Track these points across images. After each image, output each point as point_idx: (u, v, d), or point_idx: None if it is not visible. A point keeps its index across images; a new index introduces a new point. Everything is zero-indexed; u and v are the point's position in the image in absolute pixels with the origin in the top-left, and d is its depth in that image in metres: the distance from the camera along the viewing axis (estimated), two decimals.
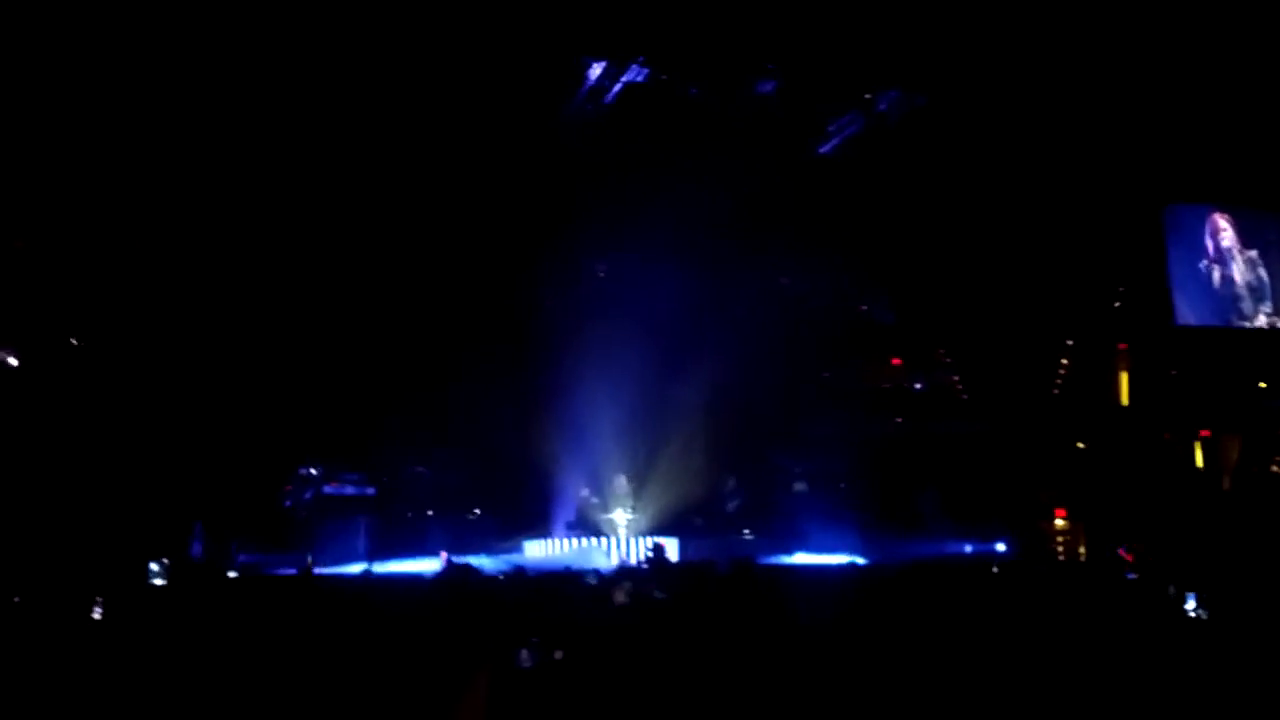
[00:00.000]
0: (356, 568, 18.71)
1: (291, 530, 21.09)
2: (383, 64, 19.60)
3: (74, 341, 21.11)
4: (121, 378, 20.38)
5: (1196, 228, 26.54)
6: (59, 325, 20.74)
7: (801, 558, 21.16)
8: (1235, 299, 26.39)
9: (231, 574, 18.06)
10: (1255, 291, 26.73)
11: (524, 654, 7.46)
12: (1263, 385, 26.38)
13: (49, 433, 19.02)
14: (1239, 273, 26.68)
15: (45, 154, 19.30)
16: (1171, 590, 11.47)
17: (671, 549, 20.09)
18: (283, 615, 9.68)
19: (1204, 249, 26.39)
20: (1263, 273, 26.76)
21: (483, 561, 18.44)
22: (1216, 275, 26.34)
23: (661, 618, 8.98)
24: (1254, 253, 26.79)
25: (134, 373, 20.48)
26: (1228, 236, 26.53)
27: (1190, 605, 11.59)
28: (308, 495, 22.18)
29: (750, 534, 22.99)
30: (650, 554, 19.13)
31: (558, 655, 7.64)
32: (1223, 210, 26.56)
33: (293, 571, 18.71)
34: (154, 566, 16.10)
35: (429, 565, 18.31)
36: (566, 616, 8.49)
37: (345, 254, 21.43)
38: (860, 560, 20.30)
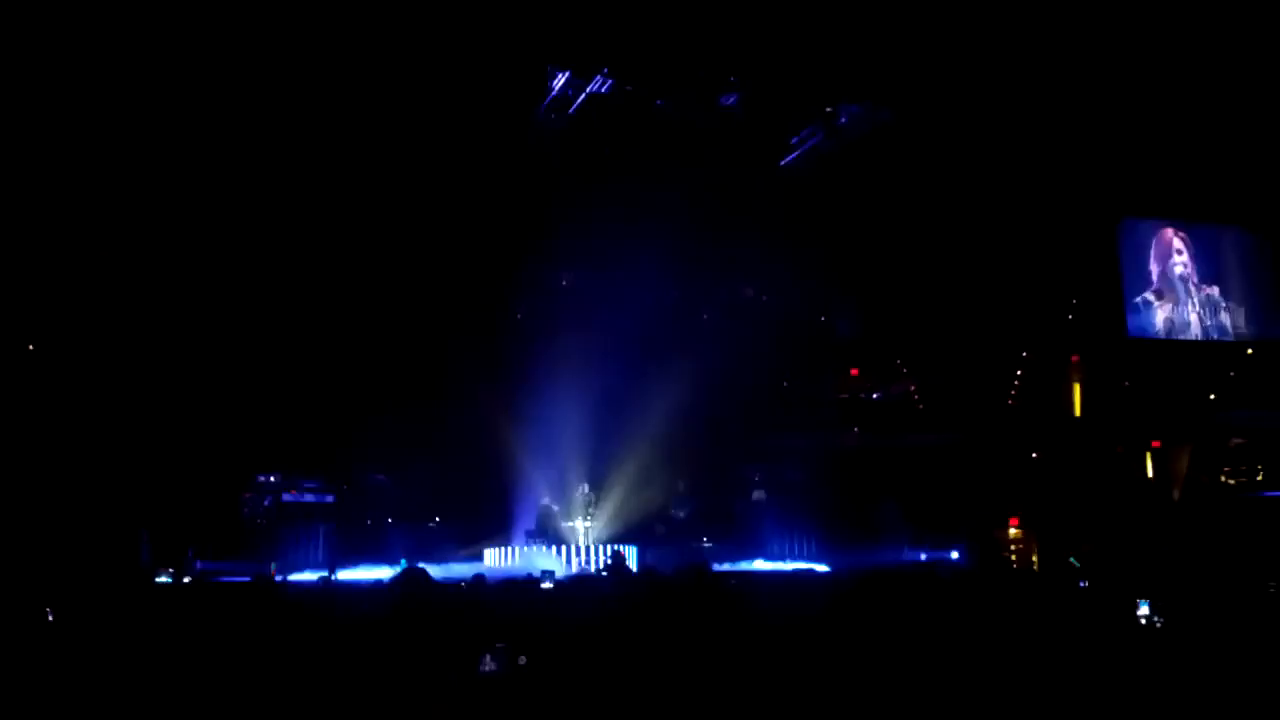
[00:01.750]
0: (315, 575, 18.66)
1: (250, 537, 21.00)
2: (349, 78, 19.62)
3: (30, 347, 20.95)
4: (77, 383, 20.24)
5: (1148, 243, 26.99)
6: (16, 331, 20.57)
7: (760, 565, 21.33)
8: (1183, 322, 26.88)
9: (180, 581, 17.94)
10: (1207, 309, 27.21)
11: (488, 659, 7.54)
12: (1212, 397, 26.82)
13: (5, 440, 18.87)
14: (1190, 297, 27.18)
15: (9, 166, 19.18)
16: (1140, 605, 11.67)
17: (631, 557, 20.22)
18: (239, 622, 9.70)
19: (1151, 270, 26.86)
20: (1214, 292, 27.25)
21: (444, 570, 18.53)
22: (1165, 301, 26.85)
23: (623, 623, 9.08)
24: (1204, 272, 27.30)
25: (90, 378, 20.34)
26: (1180, 260, 27.02)
27: (1143, 612, 11.76)
28: (266, 502, 22.11)
29: (709, 542, 23.11)
30: (609, 561, 19.24)
31: (521, 661, 7.73)
32: (1176, 226, 27.03)
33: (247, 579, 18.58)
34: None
35: (389, 573, 18.31)
36: (528, 622, 8.58)
37: (307, 263, 21.38)
38: (818, 567, 20.50)
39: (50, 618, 9.80)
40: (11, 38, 17.36)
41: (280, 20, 18.27)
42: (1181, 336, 26.85)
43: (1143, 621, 11.58)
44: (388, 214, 21.47)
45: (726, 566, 19.99)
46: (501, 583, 13.43)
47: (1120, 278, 26.65)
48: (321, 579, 18.00)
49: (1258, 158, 23.18)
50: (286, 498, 22.46)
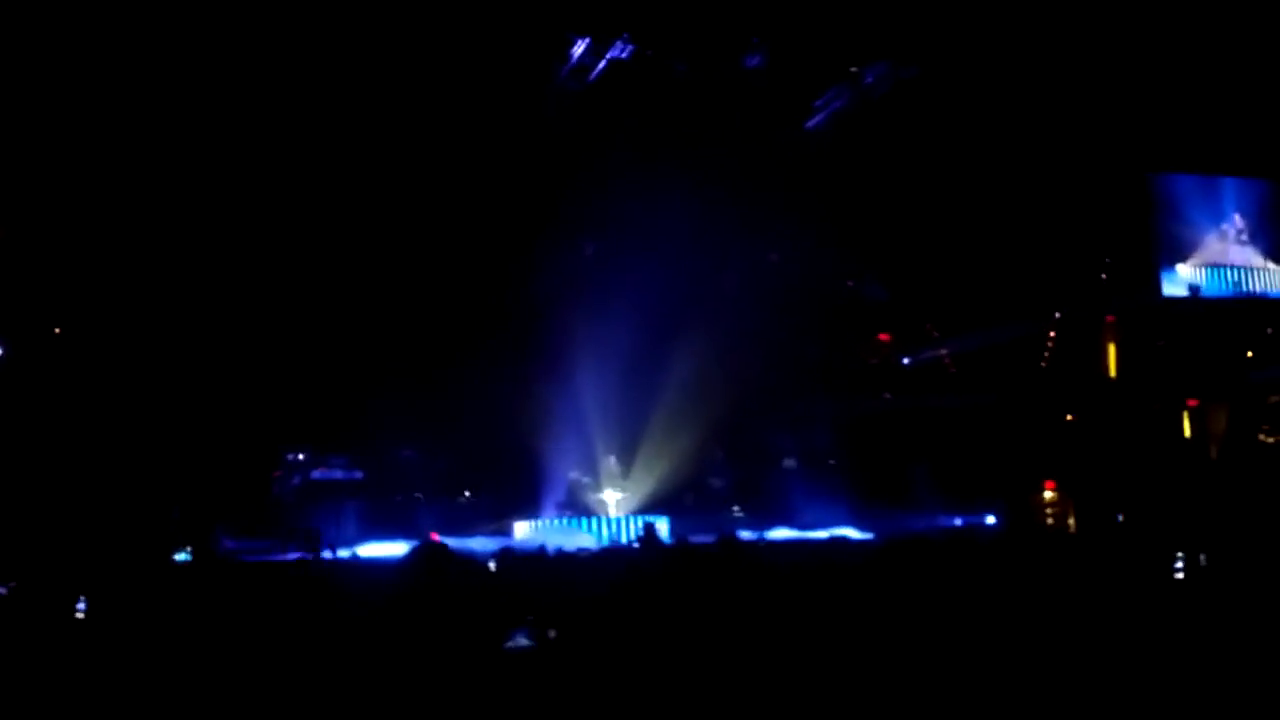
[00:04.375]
0: (344, 552, 18.59)
1: (279, 515, 20.97)
2: (365, 49, 19.47)
3: (57, 330, 20.96)
4: (105, 365, 20.24)
5: (1182, 198, 26.59)
6: (42, 314, 20.59)
7: (793, 533, 21.15)
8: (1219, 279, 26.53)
9: (202, 559, 17.86)
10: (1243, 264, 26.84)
11: (518, 635, 7.40)
12: (1250, 355, 26.42)
13: (31, 421, 18.90)
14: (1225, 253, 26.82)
15: (30, 143, 19.15)
16: (1187, 558, 11.51)
17: (662, 528, 20.06)
18: (272, 601, 9.61)
19: (1186, 226, 26.48)
20: (1251, 247, 26.87)
21: (471, 544, 18.43)
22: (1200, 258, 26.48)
23: (653, 595, 8.93)
24: (1241, 227, 26.92)
25: (117, 360, 20.34)
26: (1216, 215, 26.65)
27: (1180, 568, 11.64)
28: (295, 480, 22.08)
29: (741, 511, 22.94)
30: (641, 533, 19.09)
31: (551, 635, 7.59)
32: (1210, 180, 26.62)
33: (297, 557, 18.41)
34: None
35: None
36: (557, 595, 8.44)
37: (331, 239, 21.29)
38: (852, 534, 20.30)
39: (83, 604, 9.74)
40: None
41: None
42: (1217, 294, 26.48)
43: (1180, 577, 11.48)
44: (410, 188, 21.36)
45: (759, 535, 19.79)
46: (528, 555, 13.31)
47: (1154, 235, 26.29)
48: (349, 555, 17.91)
49: None
50: (315, 475, 22.41)
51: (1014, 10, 19.78)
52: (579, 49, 21.22)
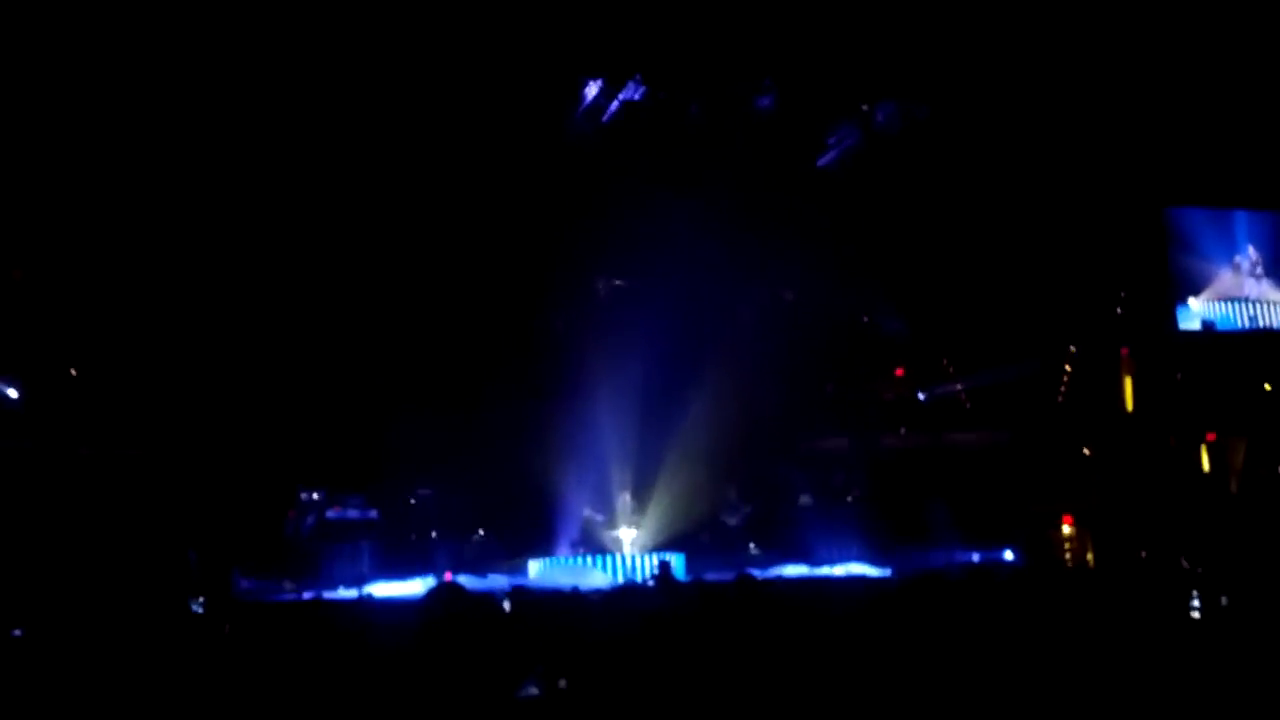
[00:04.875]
0: (352, 592, 18.55)
1: (294, 556, 20.94)
2: (379, 85, 19.63)
3: (73, 372, 21.05)
4: (120, 405, 20.31)
5: (1197, 231, 26.55)
6: (57, 355, 20.68)
7: (810, 570, 21.03)
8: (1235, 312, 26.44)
9: (217, 606, 17.79)
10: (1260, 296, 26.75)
11: (526, 684, 7.31)
12: (1268, 387, 26.28)
13: (47, 461, 18.95)
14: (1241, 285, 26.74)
15: (42, 186, 19.30)
16: (1207, 597, 11.39)
17: (678, 565, 19.97)
18: (283, 642, 9.57)
19: (1200, 259, 26.42)
20: (1267, 279, 26.80)
21: (488, 581, 18.37)
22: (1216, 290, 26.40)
23: (670, 637, 8.86)
24: (1256, 259, 26.86)
25: (132, 400, 20.41)
26: (1231, 247, 26.58)
27: (1198, 605, 11.52)
28: (310, 520, 22.05)
29: (757, 549, 22.83)
30: (656, 571, 18.99)
31: (561, 684, 7.50)
32: (1225, 213, 26.59)
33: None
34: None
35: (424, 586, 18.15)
36: (569, 639, 8.37)
37: (344, 275, 21.39)
38: (869, 571, 20.19)
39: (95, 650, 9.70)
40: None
41: (313, 34, 18.29)
42: (1233, 327, 26.40)
43: (1197, 615, 11.35)
44: (424, 228, 21.46)
45: (776, 573, 19.68)
46: (543, 594, 13.23)
47: (1168, 269, 26.25)
48: (360, 595, 17.84)
49: None
50: (330, 515, 22.37)
51: (1025, 47, 19.85)
52: (592, 90, 21.38)
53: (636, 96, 21.65)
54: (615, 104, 21.73)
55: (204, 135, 19.69)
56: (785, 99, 22.20)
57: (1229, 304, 26.53)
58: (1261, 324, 26.88)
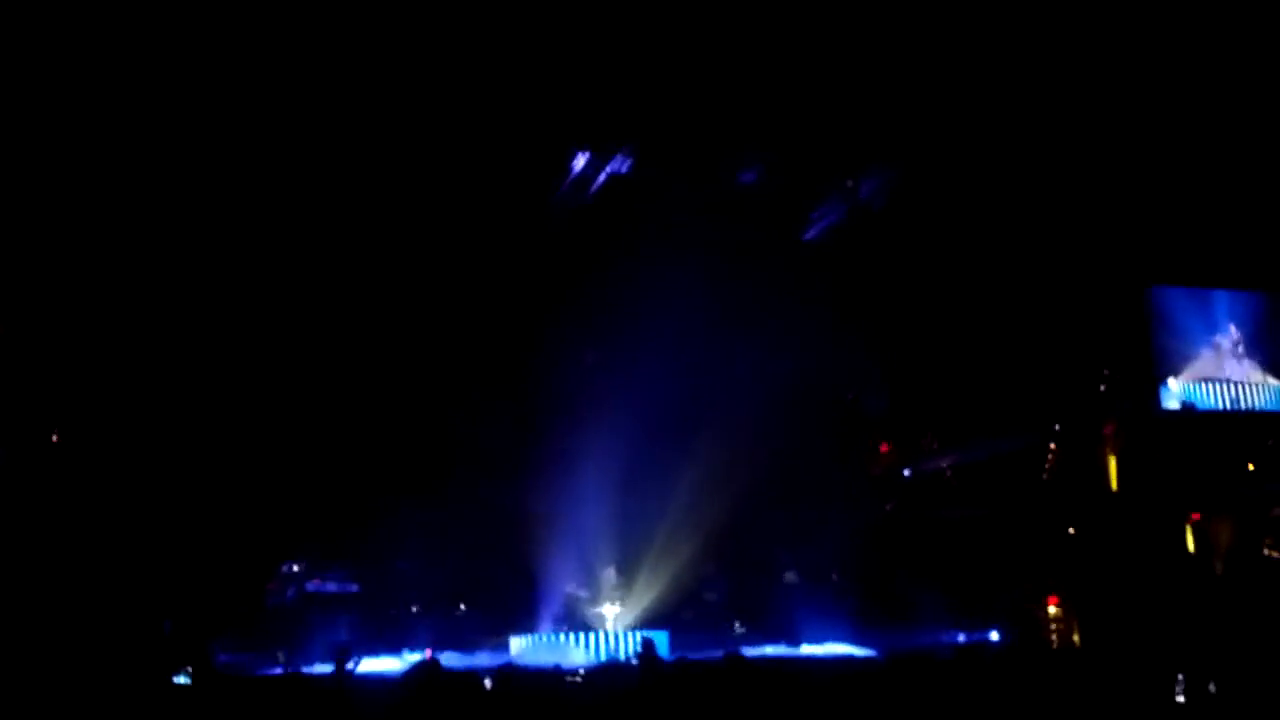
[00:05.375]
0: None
1: (273, 629, 20.67)
2: (369, 161, 19.71)
3: (54, 438, 20.86)
4: (101, 474, 20.10)
5: (1179, 310, 26.73)
6: (36, 421, 20.49)
7: (795, 649, 20.86)
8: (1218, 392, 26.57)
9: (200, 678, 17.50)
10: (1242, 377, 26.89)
11: None
12: (1251, 467, 26.32)
13: (22, 529, 18.69)
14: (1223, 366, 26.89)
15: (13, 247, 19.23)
16: (1192, 680, 11.32)
17: (661, 643, 19.75)
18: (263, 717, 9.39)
19: (1183, 339, 26.59)
20: (1250, 359, 26.97)
21: (469, 660, 18.13)
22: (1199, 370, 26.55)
23: (654, 717, 8.73)
24: (1239, 339, 27.03)
25: (115, 469, 20.21)
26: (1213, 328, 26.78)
27: (1181, 689, 11.47)
28: (290, 593, 21.81)
29: (742, 627, 22.63)
30: (640, 649, 18.76)
31: None
32: (1207, 292, 26.81)
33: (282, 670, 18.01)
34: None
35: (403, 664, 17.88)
36: (553, 718, 8.24)
37: (330, 349, 21.32)
38: (855, 651, 20.01)
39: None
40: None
41: (293, 98, 18.41)
42: (1217, 407, 26.51)
43: (1182, 699, 11.31)
44: (407, 298, 21.44)
45: (760, 652, 19.50)
46: (526, 673, 13.06)
47: (1152, 348, 26.38)
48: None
49: None
50: (310, 587, 22.15)
51: (1012, 125, 20.11)
52: (580, 161, 21.53)
53: (624, 170, 21.80)
54: (603, 176, 21.86)
55: (179, 211, 19.71)
56: (770, 173, 22.37)
57: (1209, 384, 26.63)
58: (1242, 405, 26.98)
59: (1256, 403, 27.07)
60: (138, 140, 18.66)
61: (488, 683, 11.55)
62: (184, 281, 20.32)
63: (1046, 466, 26.16)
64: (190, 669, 15.89)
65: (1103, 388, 26.08)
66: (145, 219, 19.65)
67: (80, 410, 20.66)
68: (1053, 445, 26.15)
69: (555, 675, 12.88)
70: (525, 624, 21.55)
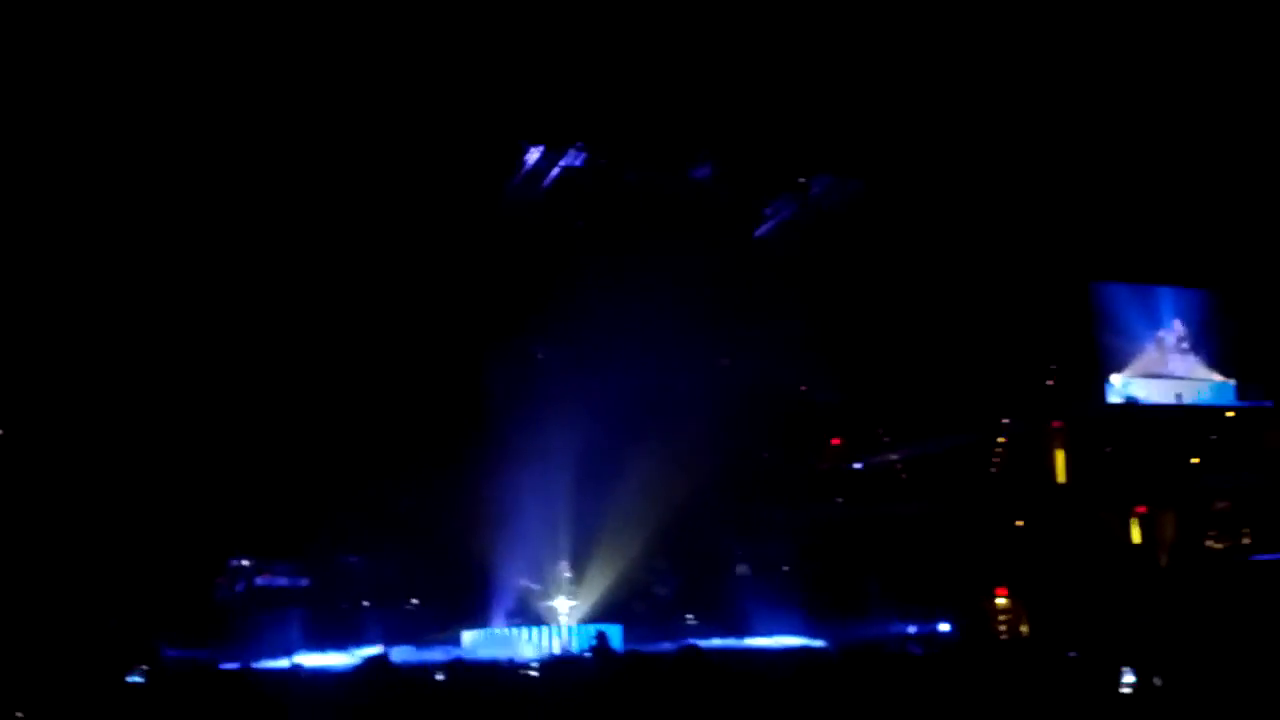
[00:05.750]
0: (285, 662, 18.12)
1: (222, 624, 20.46)
2: (324, 154, 19.59)
3: None
4: (45, 467, 19.84)
5: (1123, 306, 27.10)
6: None
7: (746, 641, 20.93)
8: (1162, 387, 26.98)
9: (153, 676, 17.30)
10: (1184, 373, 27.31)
11: None
12: (1195, 461, 26.76)
13: None
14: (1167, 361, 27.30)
15: None
16: (1125, 673, 11.46)
17: (615, 637, 19.77)
18: (211, 712, 9.32)
19: (1128, 334, 26.97)
20: (1192, 355, 27.39)
21: (421, 654, 18.05)
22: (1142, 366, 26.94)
23: (608, 710, 8.75)
24: (1181, 335, 27.45)
25: (58, 462, 19.95)
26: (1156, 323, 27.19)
27: (1128, 679, 11.59)
28: (239, 587, 21.61)
29: (694, 619, 22.69)
30: (594, 642, 18.78)
31: None
32: (1151, 289, 27.21)
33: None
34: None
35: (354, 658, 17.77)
36: (505, 712, 8.23)
37: (278, 343, 21.14)
38: (806, 643, 20.12)
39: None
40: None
41: (251, 94, 18.27)
42: (1160, 401, 26.91)
43: (1127, 690, 11.43)
44: (358, 292, 21.29)
45: (711, 644, 19.56)
46: (479, 667, 13.03)
47: (1097, 343, 26.74)
48: (290, 666, 17.40)
49: (1229, 219, 23.36)
50: (259, 581, 21.95)
51: (958, 126, 20.29)
52: (533, 156, 21.49)
53: (577, 164, 21.78)
54: (556, 170, 21.83)
55: (149, 209, 19.54)
56: (722, 170, 22.44)
57: (1152, 380, 27.03)
58: (1185, 400, 27.41)
59: (1200, 398, 27.50)
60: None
61: (440, 677, 11.52)
62: (130, 280, 20.12)
63: (995, 460, 26.45)
64: (141, 666, 15.67)
65: (1049, 383, 26.40)
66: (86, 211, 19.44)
67: (24, 406, 20.37)
68: (1001, 439, 26.44)
69: (508, 669, 12.85)
70: (478, 618, 21.47)
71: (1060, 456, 26.64)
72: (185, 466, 20.50)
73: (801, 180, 23.15)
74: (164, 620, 19.30)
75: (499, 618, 21.57)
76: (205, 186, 19.59)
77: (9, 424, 20.45)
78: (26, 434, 20.38)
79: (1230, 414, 27.42)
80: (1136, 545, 25.94)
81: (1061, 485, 26.47)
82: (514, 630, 20.83)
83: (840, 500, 26.21)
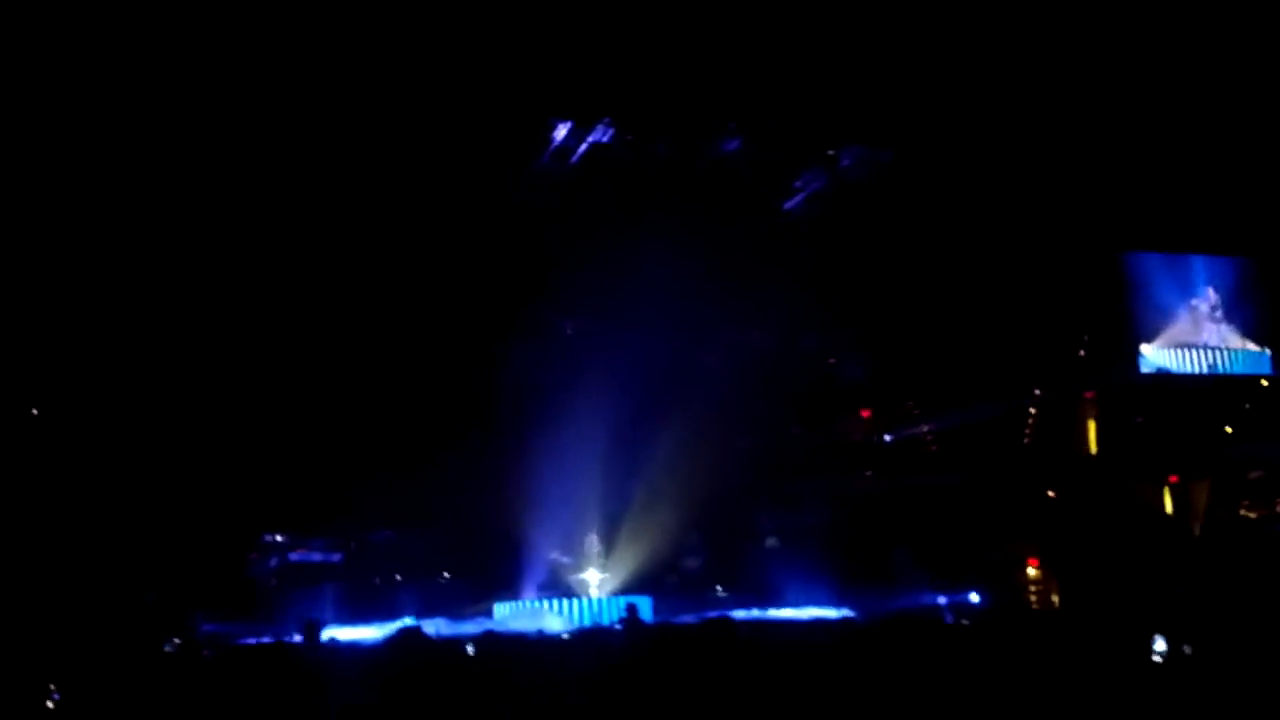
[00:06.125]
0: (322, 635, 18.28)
1: (257, 598, 20.70)
2: (350, 134, 19.64)
3: (34, 411, 20.80)
4: (82, 446, 20.06)
5: (1158, 277, 26.85)
6: (19, 393, 20.43)
7: (776, 613, 20.97)
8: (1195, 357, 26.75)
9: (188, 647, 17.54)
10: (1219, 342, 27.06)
11: None
12: (1229, 430, 26.53)
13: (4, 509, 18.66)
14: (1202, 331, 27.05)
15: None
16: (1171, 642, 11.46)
17: (645, 608, 19.87)
18: (246, 685, 9.44)
19: (1162, 304, 26.74)
20: (1227, 324, 27.14)
21: (454, 627, 18.19)
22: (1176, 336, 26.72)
23: (638, 681, 8.81)
24: (1217, 304, 27.18)
25: (95, 441, 20.17)
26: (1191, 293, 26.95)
27: (1160, 647, 11.58)
28: (273, 562, 21.83)
29: (723, 591, 22.74)
30: (624, 614, 18.89)
31: None
32: (1185, 259, 26.94)
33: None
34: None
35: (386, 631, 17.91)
36: (536, 683, 8.31)
37: (309, 323, 21.26)
38: (835, 614, 20.14)
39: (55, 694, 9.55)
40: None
41: (275, 78, 18.33)
42: (1194, 370, 26.67)
43: (1159, 659, 11.42)
44: (390, 270, 21.39)
45: (741, 615, 19.61)
46: (509, 639, 13.15)
47: (1130, 313, 26.51)
48: (327, 640, 17.58)
49: (1262, 186, 23.06)
50: (293, 557, 22.15)
51: (989, 96, 20.13)
52: (562, 132, 21.47)
53: (605, 139, 21.75)
54: (584, 146, 21.81)
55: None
56: (752, 143, 22.35)
57: (1187, 349, 26.78)
58: (1220, 369, 27.15)
59: (1233, 366, 27.24)
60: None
61: (470, 649, 11.65)
62: (158, 264, 20.27)
63: (1026, 431, 26.31)
64: (176, 639, 15.91)
65: (1081, 353, 26.21)
66: (101, 203, 19.60)
67: (60, 390, 20.59)
68: (1032, 410, 26.28)
69: (539, 641, 12.96)
70: (509, 591, 21.59)
71: (1092, 427, 26.45)
72: (221, 446, 20.69)
73: (831, 153, 23.03)
74: (200, 595, 19.58)
75: (530, 590, 21.71)
76: (237, 167, 19.70)
77: (51, 408, 20.69)
78: (68, 416, 20.61)
79: (1264, 383, 27.13)
80: (1169, 515, 25.76)
81: (1093, 456, 26.29)
82: (545, 603, 20.95)
83: (870, 472, 26.13)
